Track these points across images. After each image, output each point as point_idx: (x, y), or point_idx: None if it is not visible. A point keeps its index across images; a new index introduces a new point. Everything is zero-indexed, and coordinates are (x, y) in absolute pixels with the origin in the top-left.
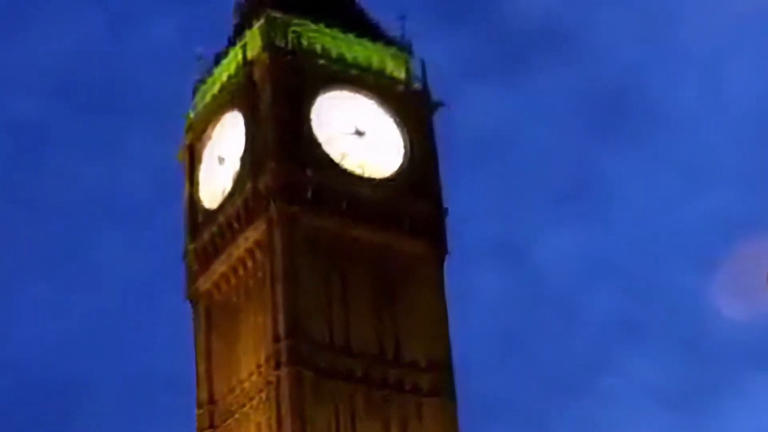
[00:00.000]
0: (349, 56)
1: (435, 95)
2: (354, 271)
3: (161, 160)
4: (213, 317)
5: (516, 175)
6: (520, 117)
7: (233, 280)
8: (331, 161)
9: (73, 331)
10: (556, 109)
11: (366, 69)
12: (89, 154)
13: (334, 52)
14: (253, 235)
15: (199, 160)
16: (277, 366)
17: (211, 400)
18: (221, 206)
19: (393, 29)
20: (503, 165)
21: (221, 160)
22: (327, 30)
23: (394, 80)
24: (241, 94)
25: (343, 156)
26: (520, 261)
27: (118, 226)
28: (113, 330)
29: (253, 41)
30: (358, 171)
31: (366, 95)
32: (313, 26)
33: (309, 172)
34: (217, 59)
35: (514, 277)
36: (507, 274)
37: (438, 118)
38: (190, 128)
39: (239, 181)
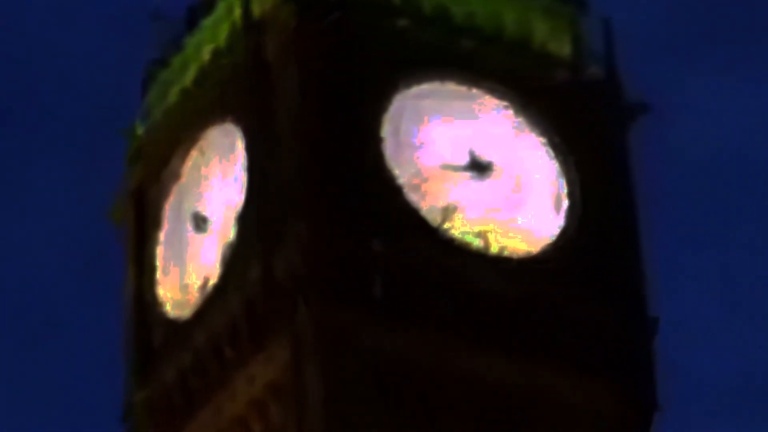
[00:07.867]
0: (458, 13)
1: (632, 91)
2: None
3: (80, 221)
4: None
5: None
6: None
7: None
8: (421, 223)
9: None
10: None
11: (492, 39)
12: None
13: (426, 6)
14: (264, 371)
15: (156, 223)
16: None
17: None
18: (201, 314)
19: None
20: None
21: (201, 221)
22: None
23: (548, 61)
24: (239, 90)
25: (448, 212)
26: None
27: (5, 349)
28: None
29: None
30: (476, 243)
31: (492, 91)
32: None
33: (377, 244)
34: (191, 20)
35: None
36: None
37: (638, 136)
38: (137, 157)
39: (236, 261)
